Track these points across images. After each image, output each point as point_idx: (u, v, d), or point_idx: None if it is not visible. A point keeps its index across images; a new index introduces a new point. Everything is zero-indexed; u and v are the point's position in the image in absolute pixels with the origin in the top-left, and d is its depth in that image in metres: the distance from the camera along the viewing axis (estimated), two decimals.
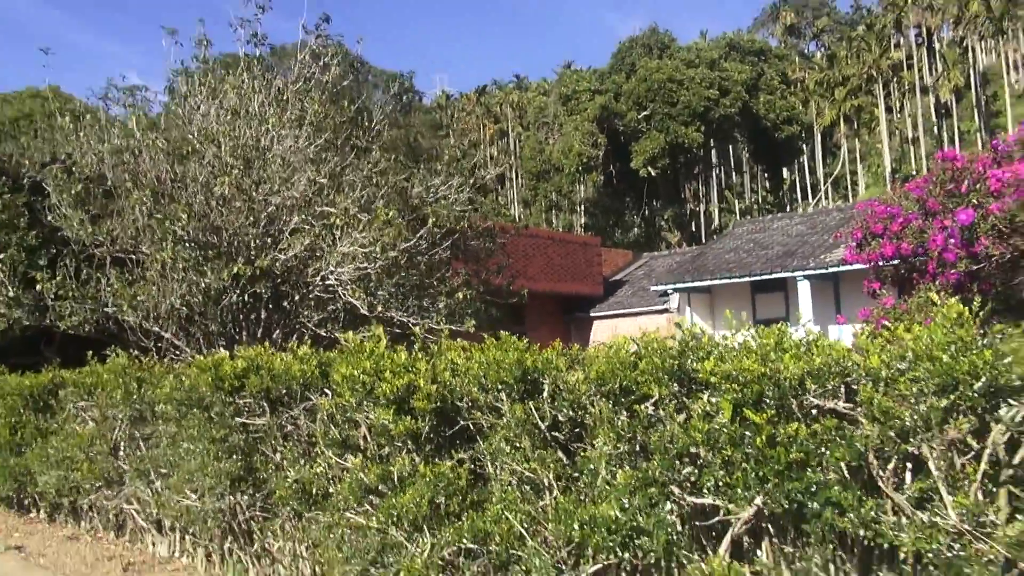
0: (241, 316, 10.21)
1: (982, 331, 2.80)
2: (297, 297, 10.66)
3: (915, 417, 2.74)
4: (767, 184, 76.01)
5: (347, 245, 9.69)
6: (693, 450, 3.24)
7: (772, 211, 63.71)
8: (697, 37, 77.18)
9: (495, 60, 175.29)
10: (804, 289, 21.32)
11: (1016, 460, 2.70)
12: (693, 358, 3.45)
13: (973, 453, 2.74)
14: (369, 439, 4.51)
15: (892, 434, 2.81)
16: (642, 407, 3.49)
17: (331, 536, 4.59)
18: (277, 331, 10.85)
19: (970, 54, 75.25)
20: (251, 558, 5.98)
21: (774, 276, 22.02)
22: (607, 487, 3.45)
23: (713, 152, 66.98)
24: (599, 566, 3.42)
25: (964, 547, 2.62)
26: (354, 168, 10.63)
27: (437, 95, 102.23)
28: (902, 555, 2.81)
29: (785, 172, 74.82)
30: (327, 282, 10.10)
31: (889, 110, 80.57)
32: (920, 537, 2.69)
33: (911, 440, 2.79)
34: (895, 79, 77.31)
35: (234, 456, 5.66)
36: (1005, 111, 73.07)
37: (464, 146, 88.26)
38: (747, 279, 22.81)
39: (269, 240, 10.11)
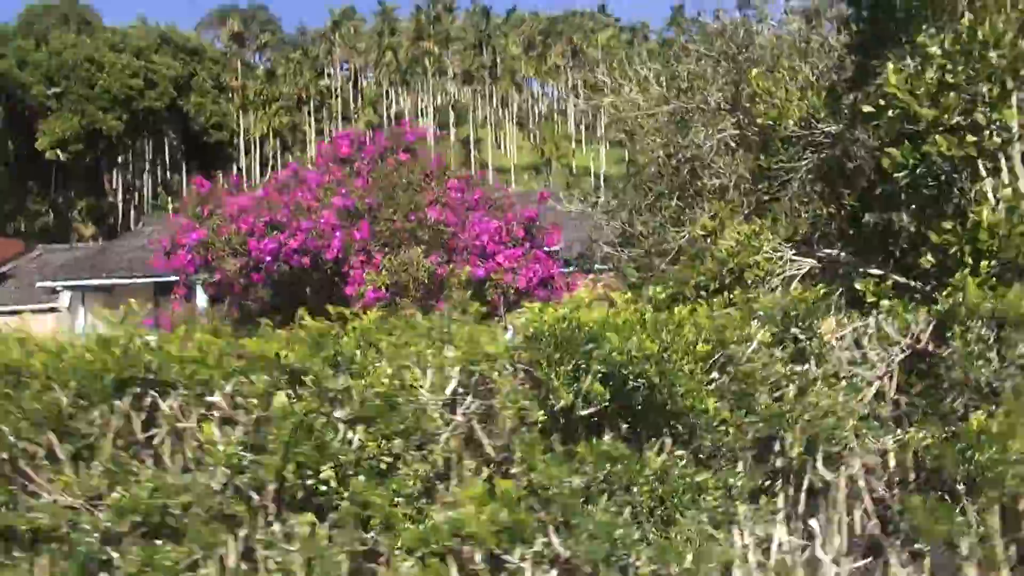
0: None
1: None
2: None
3: None
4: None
5: None
6: None
7: None
8: (134, 20, 73.05)
9: None
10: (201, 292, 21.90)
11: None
12: None
13: None
14: None
15: None
16: None
17: None
18: None
19: (385, 96, 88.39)
20: None
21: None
22: None
23: (148, 147, 64.24)
24: None
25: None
26: None
27: None
28: None
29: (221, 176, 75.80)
30: None
31: (321, 132, 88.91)
32: None
33: None
34: (324, 105, 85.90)
35: None
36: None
37: None
38: (151, 280, 22.09)
39: None
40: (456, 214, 8.80)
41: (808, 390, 3.90)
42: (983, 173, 6.02)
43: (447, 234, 8.64)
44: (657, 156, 9.62)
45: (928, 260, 6.38)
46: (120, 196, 64.17)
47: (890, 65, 6.36)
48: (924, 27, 6.36)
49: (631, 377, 3.52)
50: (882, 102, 6.37)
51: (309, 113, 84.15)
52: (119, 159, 62.93)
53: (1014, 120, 5.73)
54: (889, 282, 6.19)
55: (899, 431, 4.05)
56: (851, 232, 8.65)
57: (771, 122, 8.04)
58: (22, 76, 51.84)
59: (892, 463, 4.04)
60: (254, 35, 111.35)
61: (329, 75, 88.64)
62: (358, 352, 3.51)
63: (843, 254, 8.43)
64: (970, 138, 5.63)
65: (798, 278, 8.53)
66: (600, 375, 3.48)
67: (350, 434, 3.34)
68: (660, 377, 3.54)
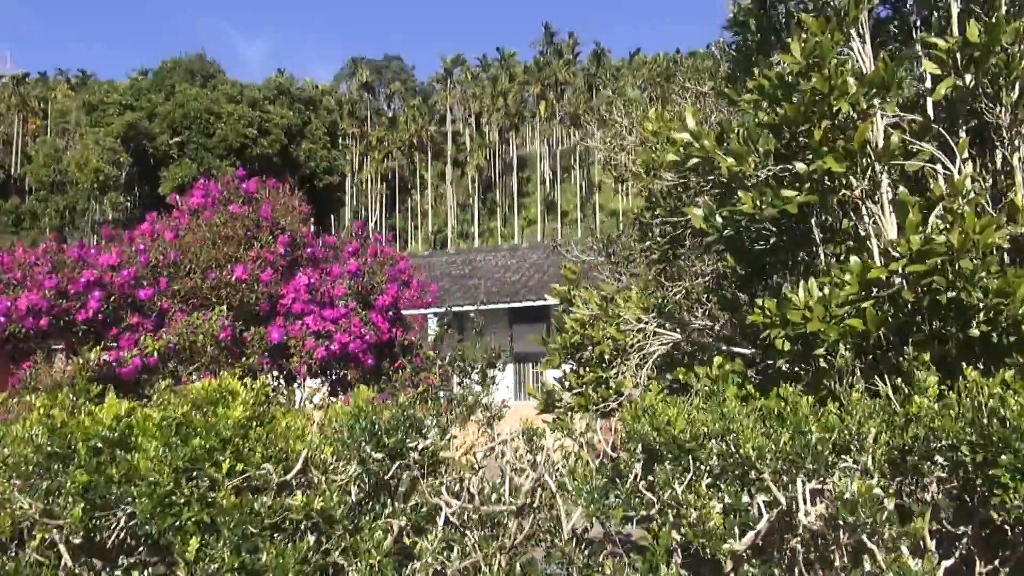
0: None
1: None
2: None
3: None
4: (320, 229, 79.53)
5: None
6: None
7: None
8: (272, 74, 78.18)
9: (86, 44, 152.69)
10: None
11: None
12: None
13: None
14: None
15: None
16: None
17: None
18: None
19: (500, 140, 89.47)
20: None
21: None
22: None
23: None
24: None
25: None
26: None
27: None
28: None
29: (333, 219, 79.02)
30: None
31: (442, 176, 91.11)
32: None
33: None
34: (438, 149, 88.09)
35: None
36: (533, 191, 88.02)
37: None
38: None
39: None
40: (278, 272, 7.63)
41: None
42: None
43: (256, 294, 7.48)
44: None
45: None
46: None
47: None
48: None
49: None
50: (682, 149, 4.76)
51: (423, 158, 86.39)
52: None
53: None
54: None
55: None
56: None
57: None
58: (151, 127, 56.24)
59: None
60: (386, 82, 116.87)
61: (446, 120, 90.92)
62: None
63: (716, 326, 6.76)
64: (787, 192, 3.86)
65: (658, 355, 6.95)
66: None
67: None
68: None
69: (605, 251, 10.62)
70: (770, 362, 4.66)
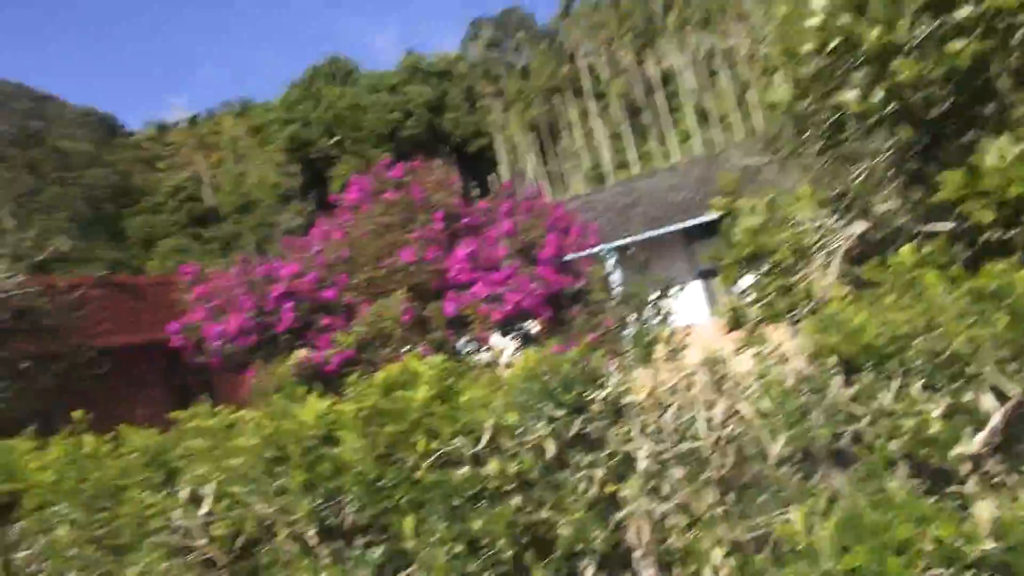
0: None
1: None
2: None
3: None
4: (479, 191, 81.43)
5: None
6: None
7: None
8: (402, 55, 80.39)
9: (239, 76, 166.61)
10: None
11: None
12: None
13: None
14: None
15: None
16: None
17: None
18: None
19: (635, 65, 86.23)
20: None
21: None
22: None
23: None
24: None
25: None
26: None
27: (147, 127, 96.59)
28: None
29: (489, 180, 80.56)
30: None
31: (587, 113, 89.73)
32: None
33: None
34: (576, 89, 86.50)
35: None
36: (683, 105, 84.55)
37: (184, 179, 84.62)
38: None
39: None
40: (441, 247, 7.84)
41: None
42: None
43: (427, 272, 7.74)
44: None
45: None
46: None
47: None
48: None
49: None
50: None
51: (564, 99, 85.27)
52: None
53: None
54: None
55: None
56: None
57: None
58: (308, 134, 59.97)
59: None
60: (511, 33, 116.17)
61: (576, 56, 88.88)
62: None
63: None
64: None
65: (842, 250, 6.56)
66: None
67: None
68: None
69: (768, 150, 9.90)
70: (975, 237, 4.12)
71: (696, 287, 19.30)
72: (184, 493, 3.84)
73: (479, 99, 73.99)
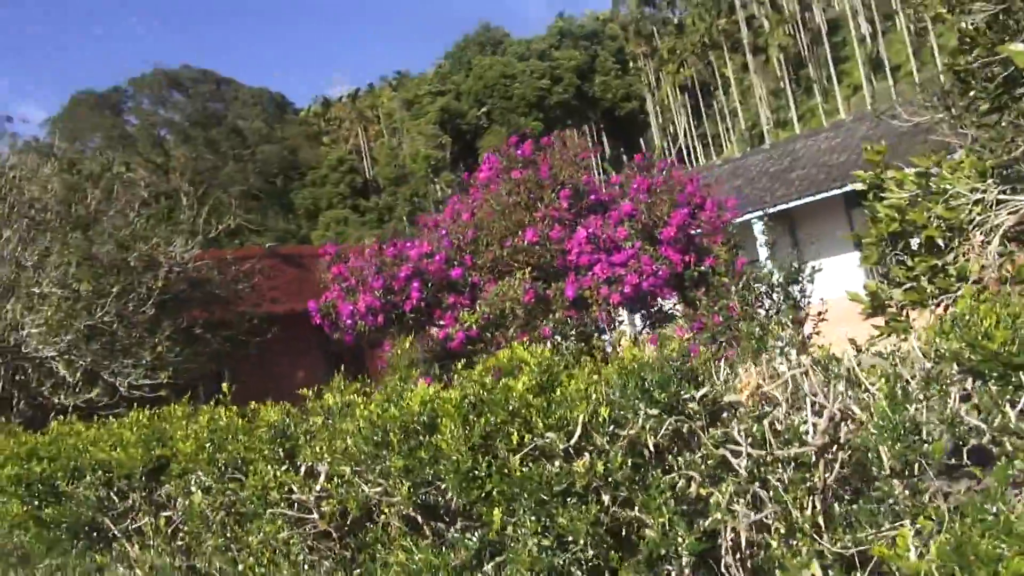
0: None
1: None
2: (29, 368, 12.37)
3: None
4: (626, 157, 79.98)
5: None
6: None
7: None
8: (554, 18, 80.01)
9: (395, 53, 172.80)
10: None
11: None
12: None
13: None
14: None
15: None
16: None
17: None
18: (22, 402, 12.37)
19: (799, 12, 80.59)
20: None
21: None
22: None
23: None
24: None
25: None
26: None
27: (313, 103, 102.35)
28: None
29: (641, 143, 78.81)
30: (39, 353, 11.91)
31: (745, 68, 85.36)
32: None
33: None
34: (734, 42, 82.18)
35: None
36: (854, 55, 78.46)
37: (346, 152, 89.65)
38: None
39: None
40: (565, 226, 7.77)
41: None
42: None
43: (550, 252, 7.70)
44: None
45: None
46: None
47: None
48: None
49: None
50: None
51: (720, 55, 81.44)
52: None
53: None
54: None
55: None
56: None
57: None
58: (459, 105, 61.35)
59: None
60: None
61: (735, 6, 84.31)
62: None
63: None
64: None
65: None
66: None
67: None
68: None
69: (943, 105, 8.90)
70: None
71: (855, 257, 18.00)
72: (303, 469, 4.13)
73: (630, 60, 72.23)
